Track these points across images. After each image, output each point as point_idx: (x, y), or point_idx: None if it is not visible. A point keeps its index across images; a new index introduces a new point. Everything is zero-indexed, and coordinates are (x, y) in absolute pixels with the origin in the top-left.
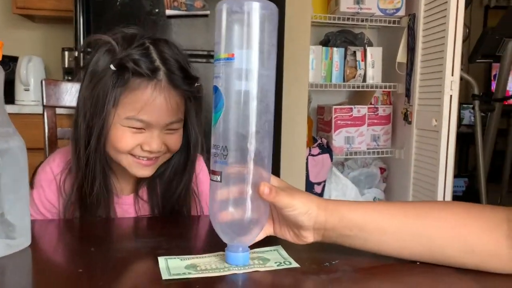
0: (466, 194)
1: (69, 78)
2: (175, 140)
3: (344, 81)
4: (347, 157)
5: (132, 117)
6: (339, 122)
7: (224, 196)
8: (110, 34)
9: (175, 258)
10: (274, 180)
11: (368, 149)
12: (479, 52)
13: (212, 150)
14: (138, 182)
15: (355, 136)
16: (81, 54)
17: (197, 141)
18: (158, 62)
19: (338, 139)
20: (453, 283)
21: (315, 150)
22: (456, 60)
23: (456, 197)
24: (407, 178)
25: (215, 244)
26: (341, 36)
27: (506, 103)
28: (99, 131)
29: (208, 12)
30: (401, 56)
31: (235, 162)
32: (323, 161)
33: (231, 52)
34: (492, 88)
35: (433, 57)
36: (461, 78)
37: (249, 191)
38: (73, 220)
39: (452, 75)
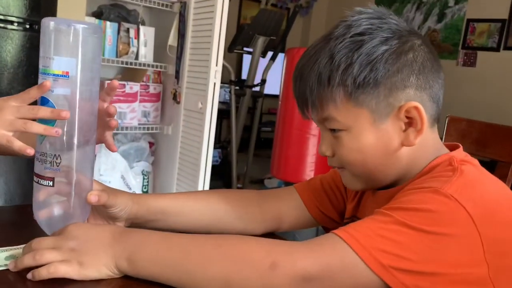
0: (221, 164)
1: None
2: None
3: (117, 56)
4: (116, 131)
5: None
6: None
7: (55, 198)
8: None
9: None
10: (95, 183)
11: (139, 124)
12: (237, 43)
13: (41, 157)
14: None
15: (127, 112)
16: None
17: None
18: None
19: None
20: None
21: None
22: (220, 52)
23: (214, 167)
24: (175, 151)
25: (28, 235)
26: (115, 11)
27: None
28: None
29: None
30: (172, 39)
31: (66, 169)
32: None
33: (65, 70)
34: (242, 75)
35: (201, 46)
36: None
37: (75, 194)
38: None
39: (216, 65)
